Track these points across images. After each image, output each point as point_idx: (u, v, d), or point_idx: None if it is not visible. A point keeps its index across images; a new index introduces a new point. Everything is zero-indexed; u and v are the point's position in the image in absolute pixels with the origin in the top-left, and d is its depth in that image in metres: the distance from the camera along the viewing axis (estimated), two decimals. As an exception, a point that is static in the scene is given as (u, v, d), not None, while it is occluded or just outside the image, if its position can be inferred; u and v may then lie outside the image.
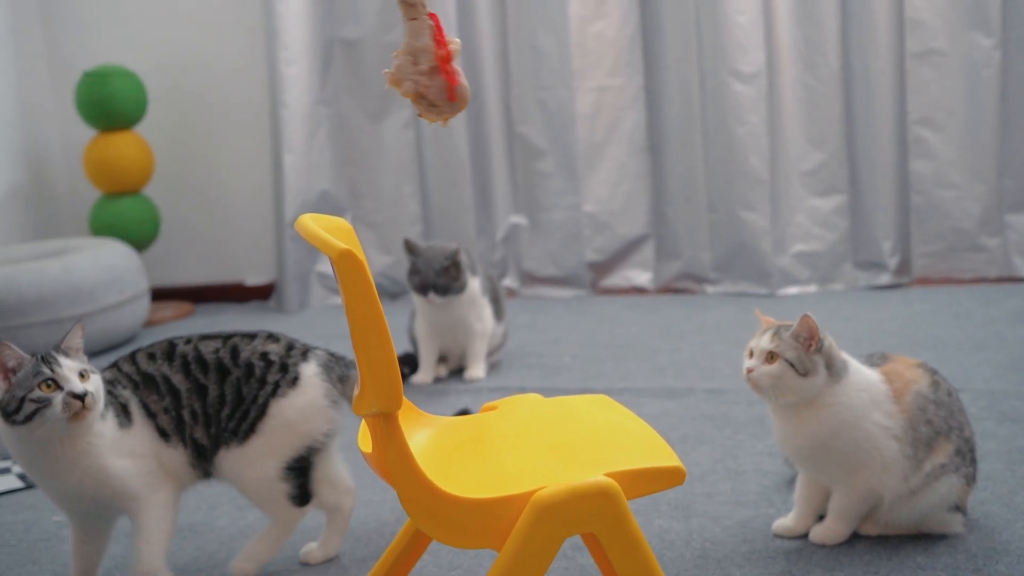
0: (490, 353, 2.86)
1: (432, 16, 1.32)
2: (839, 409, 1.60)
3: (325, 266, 3.86)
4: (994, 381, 2.43)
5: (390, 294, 3.84)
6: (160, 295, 4.03)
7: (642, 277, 3.74)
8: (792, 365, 1.60)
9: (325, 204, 3.81)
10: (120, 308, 3.37)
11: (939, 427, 1.62)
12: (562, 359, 2.92)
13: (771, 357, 1.61)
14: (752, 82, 3.48)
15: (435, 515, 1.26)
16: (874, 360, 1.70)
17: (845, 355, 1.67)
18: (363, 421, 1.40)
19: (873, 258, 3.57)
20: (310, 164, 3.79)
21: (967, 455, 1.65)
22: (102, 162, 3.75)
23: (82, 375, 1.51)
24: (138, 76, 3.79)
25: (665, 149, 3.68)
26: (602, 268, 3.76)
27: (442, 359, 2.85)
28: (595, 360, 2.89)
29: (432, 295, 2.65)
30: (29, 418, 1.47)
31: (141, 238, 3.82)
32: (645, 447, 1.38)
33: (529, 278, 3.84)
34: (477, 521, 1.27)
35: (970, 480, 1.66)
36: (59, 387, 1.48)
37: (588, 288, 3.76)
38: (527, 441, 1.43)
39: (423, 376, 2.77)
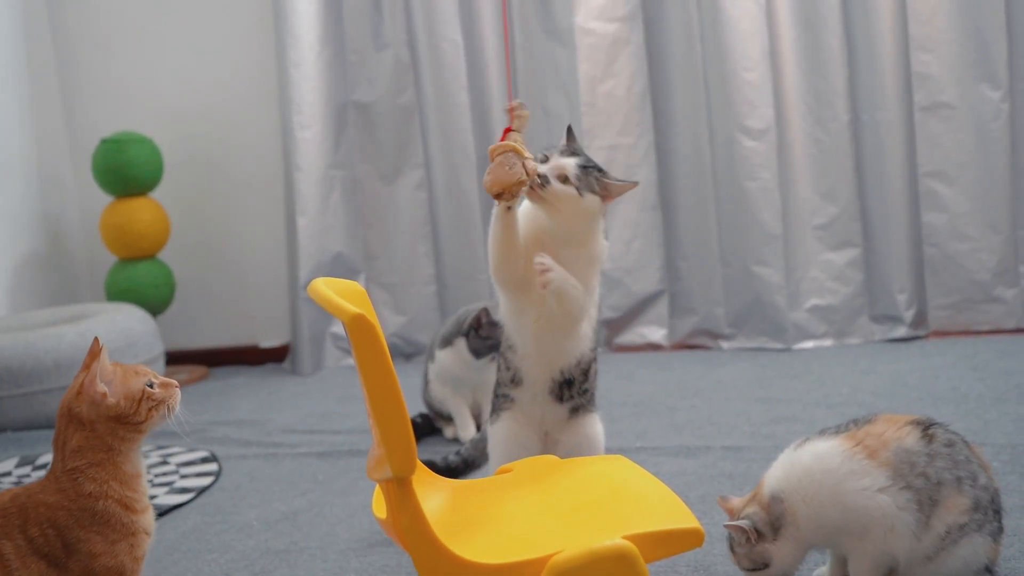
0: None
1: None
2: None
3: (339, 327, 3.86)
4: (1016, 435, 2.40)
5: (405, 355, 3.84)
6: (175, 359, 4.04)
7: (657, 333, 3.72)
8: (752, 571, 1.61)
9: (339, 266, 3.83)
10: (135, 372, 3.38)
11: (940, 478, 1.55)
12: (578, 418, 2.89)
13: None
14: (762, 137, 3.50)
15: (451, 581, 1.24)
16: (859, 422, 1.65)
17: (790, 455, 1.63)
18: (377, 486, 1.39)
19: (889, 311, 3.55)
20: (324, 226, 3.82)
21: (988, 508, 1.57)
22: (118, 227, 3.78)
23: None
24: (154, 142, 3.84)
25: (677, 205, 3.69)
26: (617, 325, 3.75)
27: (451, 419, 2.83)
28: (611, 419, 2.85)
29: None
30: None
31: (156, 302, 3.84)
32: (663, 508, 1.36)
33: (543, 336, 3.82)
34: (494, 587, 1.25)
35: (996, 535, 1.61)
36: None
37: (603, 345, 3.75)
38: (543, 504, 1.42)
39: (468, 432, 2.75)
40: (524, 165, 1.72)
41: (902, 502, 1.54)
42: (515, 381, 1.90)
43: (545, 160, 1.81)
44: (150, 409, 1.41)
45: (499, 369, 1.96)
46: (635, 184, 1.88)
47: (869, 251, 3.58)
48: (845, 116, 3.51)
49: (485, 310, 2.68)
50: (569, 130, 1.92)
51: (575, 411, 1.92)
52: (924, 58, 3.40)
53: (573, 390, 1.91)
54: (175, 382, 1.47)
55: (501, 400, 1.95)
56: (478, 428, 2.81)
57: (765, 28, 3.47)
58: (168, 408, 1.43)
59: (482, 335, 2.67)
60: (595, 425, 1.94)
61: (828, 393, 2.91)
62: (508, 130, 1.77)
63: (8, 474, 2.75)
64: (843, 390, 2.93)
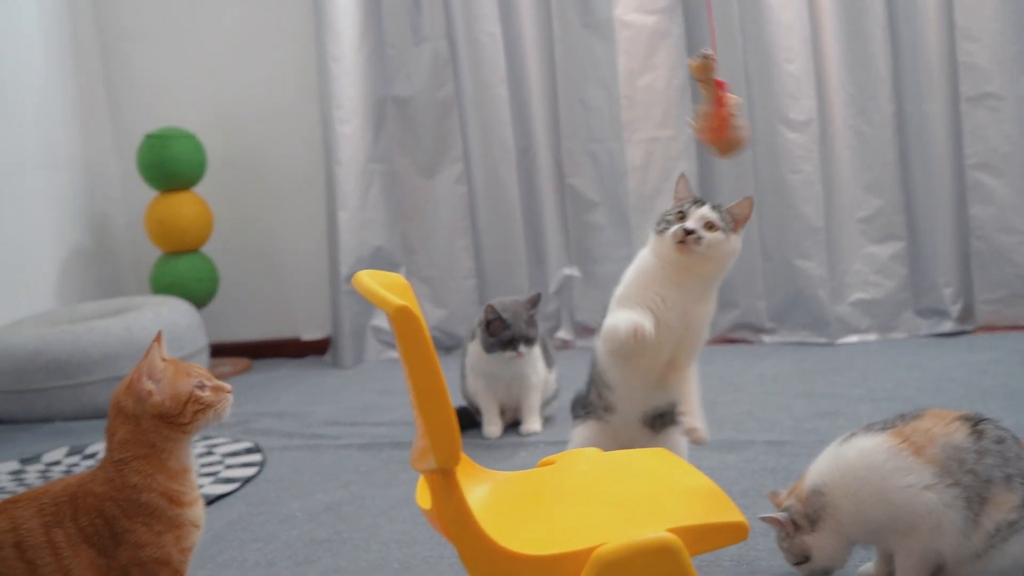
0: (545, 404, 2.84)
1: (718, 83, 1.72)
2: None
3: (380, 320, 3.89)
4: (1066, 430, 2.35)
5: (445, 348, 3.85)
6: (219, 351, 4.09)
7: (697, 327, 3.70)
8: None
9: (379, 260, 3.85)
10: (180, 365, 3.42)
11: (989, 476, 1.53)
12: (618, 411, 2.89)
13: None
14: (804, 130, 3.47)
15: (495, 571, 1.24)
16: (906, 418, 1.63)
17: (837, 449, 1.62)
18: (421, 477, 1.39)
19: (934, 305, 3.50)
20: (364, 221, 3.84)
21: None
22: (162, 222, 3.83)
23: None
24: (197, 137, 3.89)
25: (717, 199, 3.65)
26: (656, 319, 3.73)
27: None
28: (652, 412, 2.85)
29: (522, 347, 2.64)
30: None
31: (200, 295, 3.88)
32: (707, 502, 1.36)
33: (583, 330, 3.83)
34: (537, 578, 1.25)
35: None
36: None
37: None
38: (586, 496, 1.42)
39: (493, 429, 2.76)
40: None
41: (949, 499, 1.52)
42: (607, 409, 1.96)
43: (682, 217, 1.83)
44: (196, 412, 1.39)
45: (591, 390, 2.01)
46: (750, 199, 1.91)
47: (914, 244, 3.53)
48: (889, 107, 3.46)
49: (490, 307, 2.66)
50: (683, 177, 1.94)
51: (662, 428, 1.98)
52: (970, 48, 3.34)
53: (665, 419, 1.96)
54: (228, 387, 1.45)
55: (591, 409, 2.00)
56: (514, 425, 2.81)
57: (807, 18, 3.44)
58: (216, 413, 1.41)
59: (491, 332, 2.66)
60: (677, 436, 1.96)
61: (872, 388, 2.88)
62: (719, 86, 1.77)
63: (58, 463, 2.80)
64: (887, 385, 2.90)
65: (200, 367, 1.45)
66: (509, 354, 2.64)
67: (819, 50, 3.48)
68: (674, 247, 1.81)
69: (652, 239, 1.89)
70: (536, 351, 2.75)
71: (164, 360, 1.41)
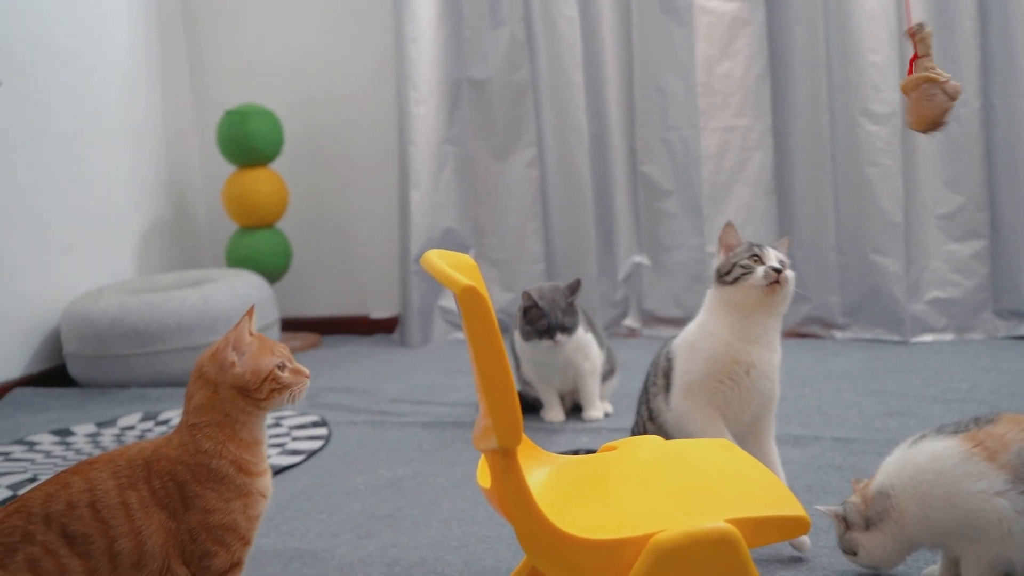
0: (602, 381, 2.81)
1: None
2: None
3: (448, 301, 3.91)
4: None
5: (510, 331, 3.86)
6: (289, 325, 4.16)
7: (767, 320, 3.65)
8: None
9: (449, 241, 3.87)
10: (252, 337, 3.49)
11: None
12: (683, 401, 2.86)
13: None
14: (886, 122, 3.39)
15: (552, 553, 1.25)
16: (980, 422, 1.59)
17: (904, 449, 1.59)
18: (482, 456, 1.40)
19: (1015, 306, 3.40)
20: (436, 202, 3.87)
21: None
22: (239, 197, 3.91)
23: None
24: (275, 114, 3.95)
25: (793, 190, 3.61)
26: (725, 310, 3.69)
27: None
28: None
29: (559, 336, 2.61)
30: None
31: (273, 270, 3.95)
32: (768, 494, 1.34)
33: (651, 318, 3.80)
34: (594, 561, 1.25)
35: None
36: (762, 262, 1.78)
37: (711, 330, 3.69)
38: (646, 483, 1.41)
39: (555, 415, 2.75)
40: (944, 90, 1.68)
41: (1021, 506, 1.48)
42: None
43: (759, 259, 1.80)
44: (272, 391, 1.41)
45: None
46: (787, 240, 1.94)
47: (996, 243, 3.43)
48: (976, 102, 3.36)
49: (526, 294, 2.62)
50: (730, 225, 1.89)
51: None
52: (1065, 42, 3.23)
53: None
54: (307, 372, 1.46)
55: None
56: (577, 410, 2.80)
57: (894, 9, 3.35)
58: (291, 395, 1.43)
59: (528, 320, 2.63)
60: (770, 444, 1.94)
61: (946, 389, 2.81)
62: (915, 58, 1.71)
63: (132, 428, 2.88)
64: (962, 386, 2.83)
65: (284, 347, 1.46)
66: (546, 343, 2.62)
67: (905, 41, 3.38)
68: (764, 290, 1.77)
69: (720, 294, 1.83)
70: (587, 337, 2.70)
71: (252, 335, 1.43)
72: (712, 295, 1.85)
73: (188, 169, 4.32)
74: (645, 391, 2.00)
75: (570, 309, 2.62)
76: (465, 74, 3.87)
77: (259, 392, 1.40)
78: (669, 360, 1.90)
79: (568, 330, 2.61)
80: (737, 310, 1.80)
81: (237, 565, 1.41)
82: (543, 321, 2.60)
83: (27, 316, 3.46)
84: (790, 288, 1.80)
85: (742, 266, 1.80)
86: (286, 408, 1.48)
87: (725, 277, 1.82)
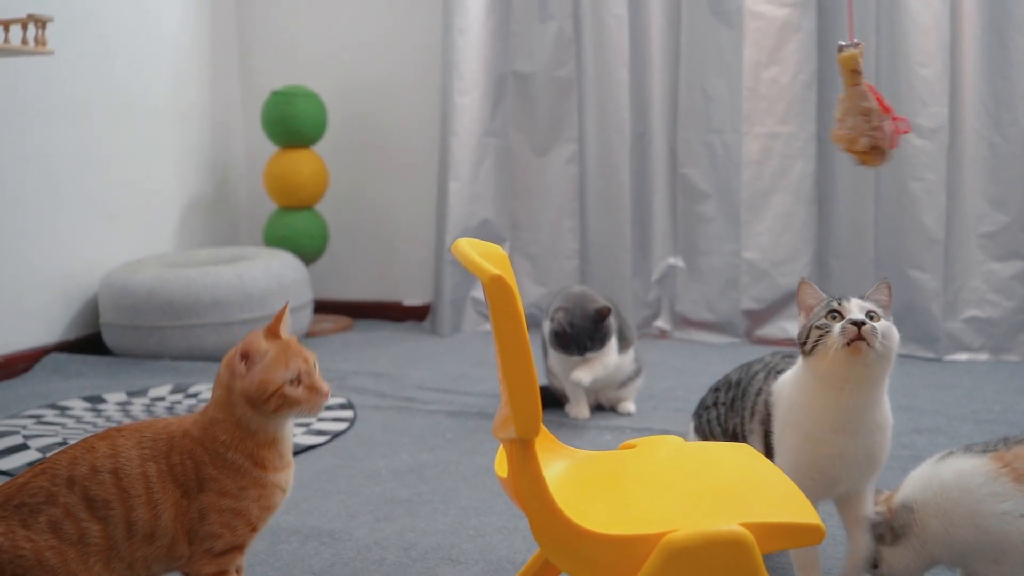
0: (620, 385, 2.80)
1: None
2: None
3: (480, 293, 3.93)
4: None
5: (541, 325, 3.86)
6: (322, 308, 4.20)
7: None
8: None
9: (485, 233, 3.88)
10: (284, 317, 3.53)
11: None
12: (709, 406, 2.86)
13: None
14: (932, 137, 3.35)
15: (565, 546, 1.25)
16: (1009, 442, 1.57)
17: (930, 466, 1.57)
18: (501, 445, 1.41)
19: (1054, 330, 3.35)
20: (474, 193, 3.88)
21: None
22: (280, 177, 3.94)
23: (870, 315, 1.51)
24: (320, 97, 3.98)
25: (833, 200, 3.58)
26: (758, 317, 3.67)
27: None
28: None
29: (588, 353, 2.63)
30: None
31: (310, 251, 3.99)
32: (784, 501, 1.34)
33: (683, 321, 3.79)
34: (606, 557, 1.25)
35: None
36: (842, 316, 1.51)
37: (742, 336, 3.68)
38: (663, 482, 1.41)
39: (580, 411, 2.76)
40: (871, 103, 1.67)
41: None
42: None
43: (837, 316, 1.53)
44: (279, 407, 1.37)
45: None
46: (887, 283, 1.63)
47: (1038, 265, 3.38)
48: (1026, 120, 3.31)
49: (559, 313, 2.62)
50: (806, 281, 1.62)
51: None
52: (1122, 64, 3.17)
53: None
54: (325, 389, 1.41)
55: None
56: (599, 408, 2.80)
57: (947, 22, 3.31)
58: (301, 412, 1.39)
59: (559, 343, 2.64)
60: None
61: (977, 409, 2.77)
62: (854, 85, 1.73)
63: (162, 399, 2.93)
64: (995, 407, 2.79)
65: (307, 356, 1.41)
66: (575, 358, 2.64)
67: (956, 56, 3.35)
68: (844, 351, 1.49)
69: (806, 366, 1.56)
70: (613, 359, 2.71)
71: (274, 339, 1.40)
72: (801, 367, 1.60)
73: (232, 147, 4.37)
74: (726, 417, 1.82)
75: (598, 337, 2.62)
76: (511, 67, 3.87)
77: (265, 406, 1.37)
78: (768, 408, 1.68)
79: (596, 348, 2.63)
80: (825, 384, 1.54)
81: (238, 548, 1.41)
82: (572, 347, 2.63)
83: (67, 283, 3.52)
84: (883, 344, 1.51)
85: (818, 327, 1.53)
86: (304, 417, 1.45)
87: (804, 346, 1.56)
